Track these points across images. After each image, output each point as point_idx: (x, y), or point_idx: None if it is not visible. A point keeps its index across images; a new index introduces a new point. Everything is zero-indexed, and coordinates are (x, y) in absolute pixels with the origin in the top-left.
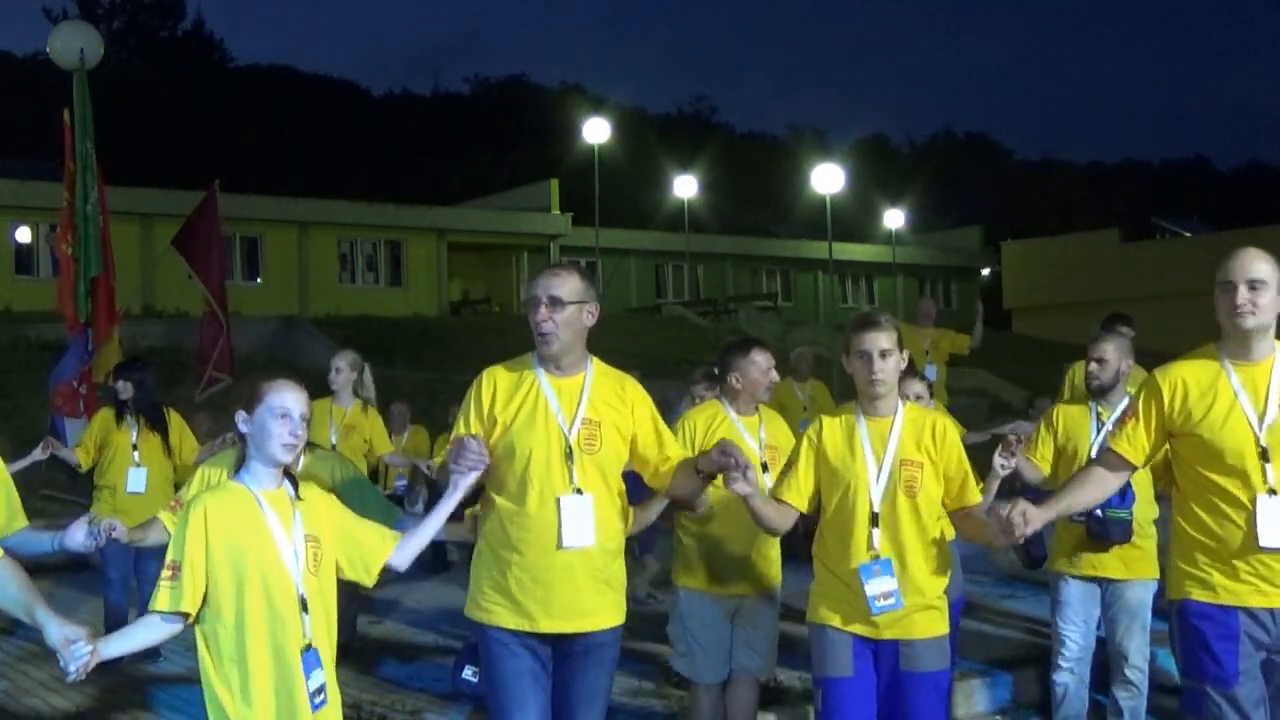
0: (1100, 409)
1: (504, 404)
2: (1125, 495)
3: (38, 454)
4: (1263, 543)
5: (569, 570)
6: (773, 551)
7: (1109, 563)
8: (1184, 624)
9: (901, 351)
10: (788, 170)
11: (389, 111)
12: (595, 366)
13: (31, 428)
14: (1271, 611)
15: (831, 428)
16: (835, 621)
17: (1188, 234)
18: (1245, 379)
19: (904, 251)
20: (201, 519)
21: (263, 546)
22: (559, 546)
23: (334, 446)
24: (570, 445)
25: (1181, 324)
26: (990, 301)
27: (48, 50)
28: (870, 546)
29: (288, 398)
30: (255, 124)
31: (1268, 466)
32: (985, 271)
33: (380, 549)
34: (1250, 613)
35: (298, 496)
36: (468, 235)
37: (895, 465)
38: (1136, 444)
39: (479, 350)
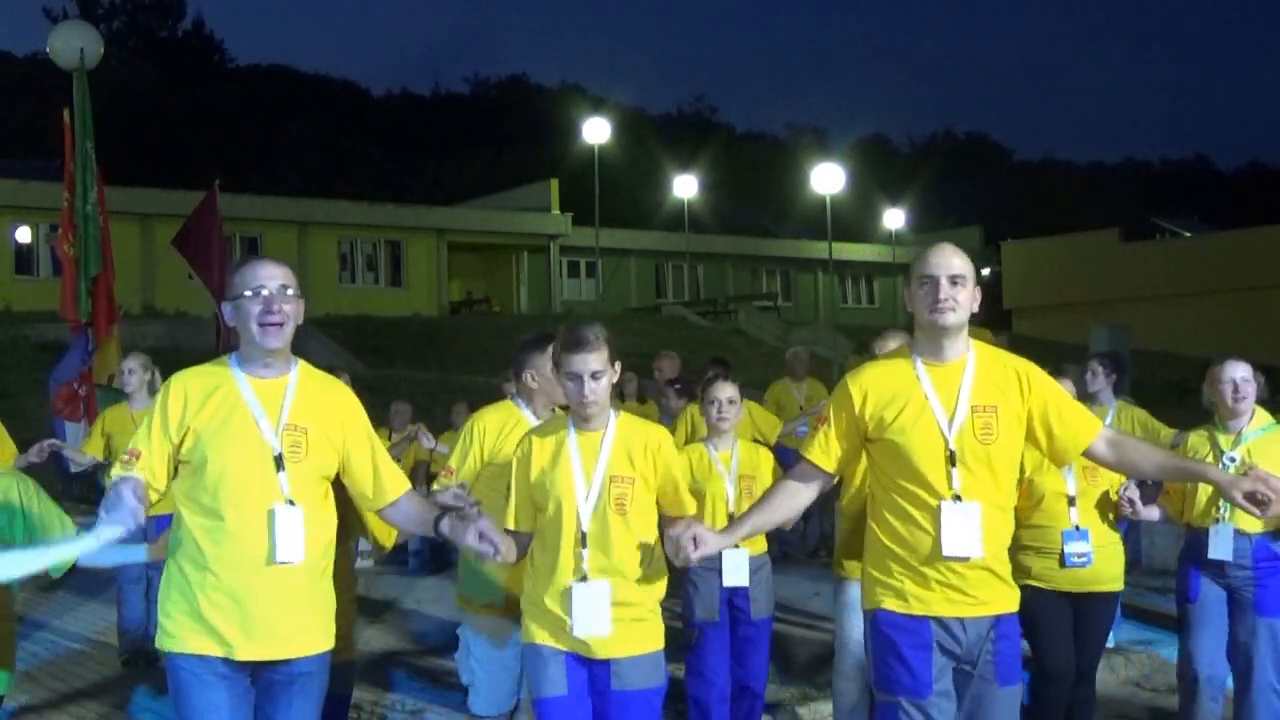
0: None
1: (196, 411)
2: None
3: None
4: (945, 551)
5: (271, 591)
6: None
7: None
8: (877, 634)
9: (614, 365)
10: (788, 170)
11: (389, 111)
12: (301, 368)
13: (31, 428)
14: (961, 621)
15: (541, 445)
16: (548, 640)
17: (1188, 234)
18: (937, 381)
19: (904, 251)
20: None
21: None
22: (268, 563)
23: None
24: (280, 452)
25: (1181, 324)
26: (990, 301)
27: (48, 50)
28: (580, 566)
29: None
30: (255, 124)
31: (954, 471)
32: (985, 271)
33: None
34: (941, 622)
35: None
36: (468, 235)
37: (605, 481)
38: (830, 451)
39: (479, 350)
